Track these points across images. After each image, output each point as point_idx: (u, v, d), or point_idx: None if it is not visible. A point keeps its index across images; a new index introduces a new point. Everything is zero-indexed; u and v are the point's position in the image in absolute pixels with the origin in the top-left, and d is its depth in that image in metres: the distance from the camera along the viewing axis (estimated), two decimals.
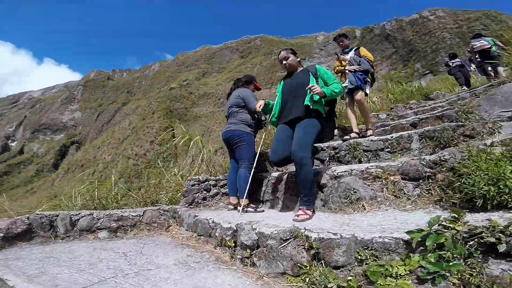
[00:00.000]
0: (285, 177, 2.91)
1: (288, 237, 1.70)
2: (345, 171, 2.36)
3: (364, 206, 2.08)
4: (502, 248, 1.14)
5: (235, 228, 2.11)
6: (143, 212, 3.07)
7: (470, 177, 1.56)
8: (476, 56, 7.04)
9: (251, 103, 3.09)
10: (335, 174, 2.40)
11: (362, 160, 3.13)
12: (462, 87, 8.36)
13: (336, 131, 4.90)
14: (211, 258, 2.04)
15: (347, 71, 4.01)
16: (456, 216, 1.18)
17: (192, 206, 3.29)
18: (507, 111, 2.58)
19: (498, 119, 2.62)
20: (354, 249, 1.41)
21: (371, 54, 4.08)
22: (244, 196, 2.77)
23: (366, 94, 4.04)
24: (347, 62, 4.00)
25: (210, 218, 2.49)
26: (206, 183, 3.47)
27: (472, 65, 8.24)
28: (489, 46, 6.52)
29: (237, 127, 3.06)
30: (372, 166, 2.29)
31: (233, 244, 2.07)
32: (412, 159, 2.18)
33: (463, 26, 28.25)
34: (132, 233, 2.89)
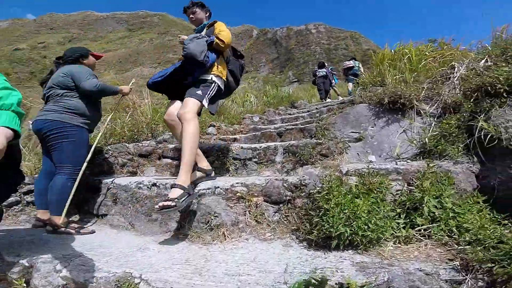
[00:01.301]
0: (132, 186, 2.26)
1: None
2: (208, 189, 1.99)
3: (224, 234, 1.76)
4: None
5: (27, 265, 1.37)
6: None
7: (329, 213, 1.48)
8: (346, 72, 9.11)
9: (84, 80, 2.17)
10: (197, 191, 1.98)
11: (230, 169, 2.88)
12: (322, 100, 9.75)
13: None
14: None
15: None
16: (321, 282, 1.00)
17: None
18: (355, 132, 2.85)
19: (347, 139, 2.88)
20: None
21: (229, 35, 2.20)
22: (63, 214, 1.92)
23: (201, 107, 2.17)
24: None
25: None
26: None
27: (333, 80, 9.68)
28: (353, 65, 8.31)
29: (58, 116, 2.08)
30: (238, 183, 2.01)
31: (25, 285, 1.36)
32: (276, 179, 2.04)
33: (331, 44, 33.92)
34: None
